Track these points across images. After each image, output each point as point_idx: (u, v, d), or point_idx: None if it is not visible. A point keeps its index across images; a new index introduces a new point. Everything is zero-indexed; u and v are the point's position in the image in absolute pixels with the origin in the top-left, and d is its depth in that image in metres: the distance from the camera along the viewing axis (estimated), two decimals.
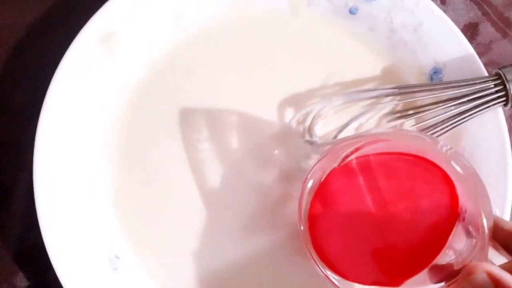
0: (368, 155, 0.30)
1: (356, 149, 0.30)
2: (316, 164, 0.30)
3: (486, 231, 0.24)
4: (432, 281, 0.28)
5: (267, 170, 0.36)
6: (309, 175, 0.31)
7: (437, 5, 0.36)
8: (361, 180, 0.30)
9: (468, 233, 0.27)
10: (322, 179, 0.31)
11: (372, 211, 0.30)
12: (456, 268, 0.27)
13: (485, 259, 0.25)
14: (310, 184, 0.31)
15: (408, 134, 0.29)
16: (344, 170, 0.31)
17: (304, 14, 0.38)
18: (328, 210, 0.31)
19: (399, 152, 0.30)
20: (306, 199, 0.31)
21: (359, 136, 0.29)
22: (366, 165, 0.30)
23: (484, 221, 0.24)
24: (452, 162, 0.25)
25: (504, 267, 0.24)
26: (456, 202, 0.28)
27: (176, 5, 0.36)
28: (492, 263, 0.25)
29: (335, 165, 0.31)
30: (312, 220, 0.31)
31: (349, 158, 0.31)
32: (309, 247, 0.31)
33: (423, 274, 0.29)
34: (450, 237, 0.29)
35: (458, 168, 0.25)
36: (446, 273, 0.28)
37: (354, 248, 0.30)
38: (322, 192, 0.31)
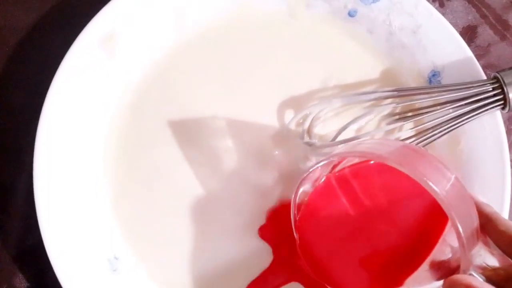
0: (356, 163, 0.31)
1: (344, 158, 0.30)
2: (307, 172, 0.30)
3: (464, 240, 0.24)
4: (434, 278, 0.28)
5: (266, 171, 0.36)
6: (300, 183, 0.30)
7: (436, 8, 0.36)
8: (351, 186, 0.30)
9: None
10: (313, 186, 0.31)
11: (362, 216, 0.30)
12: (452, 265, 0.27)
13: (467, 265, 0.24)
14: (300, 192, 0.31)
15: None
16: (334, 177, 0.31)
17: (302, 16, 0.38)
18: (318, 220, 0.31)
19: None
20: (296, 208, 0.31)
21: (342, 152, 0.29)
22: (355, 172, 0.31)
23: (460, 229, 0.24)
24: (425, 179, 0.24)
25: (488, 275, 0.24)
26: None
27: (177, 6, 0.36)
28: (487, 265, 0.25)
29: (326, 172, 0.31)
30: (302, 230, 0.31)
31: (339, 166, 0.31)
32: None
33: (424, 272, 0.29)
34: (446, 234, 0.29)
35: (433, 186, 0.24)
36: (445, 270, 0.28)
37: (347, 257, 0.31)
38: (312, 200, 0.31)
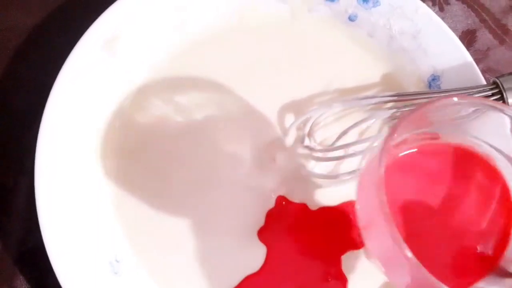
0: (436, 144, 0.29)
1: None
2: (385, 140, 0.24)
3: None
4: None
5: (267, 174, 0.36)
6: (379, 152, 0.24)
7: (435, 12, 0.36)
8: (422, 169, 0.29)
9: None
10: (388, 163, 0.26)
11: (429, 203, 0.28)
12: None
13: None
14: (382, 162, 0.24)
15: None
16: (401, 158, 0.28)
17: (304, 20, 0.38)
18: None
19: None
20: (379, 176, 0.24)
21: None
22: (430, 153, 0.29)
23: None
24: None
25: None
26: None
27: (178, 8, 0.36)
28: None
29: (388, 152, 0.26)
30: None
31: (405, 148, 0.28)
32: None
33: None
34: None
35: None
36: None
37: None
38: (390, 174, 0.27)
